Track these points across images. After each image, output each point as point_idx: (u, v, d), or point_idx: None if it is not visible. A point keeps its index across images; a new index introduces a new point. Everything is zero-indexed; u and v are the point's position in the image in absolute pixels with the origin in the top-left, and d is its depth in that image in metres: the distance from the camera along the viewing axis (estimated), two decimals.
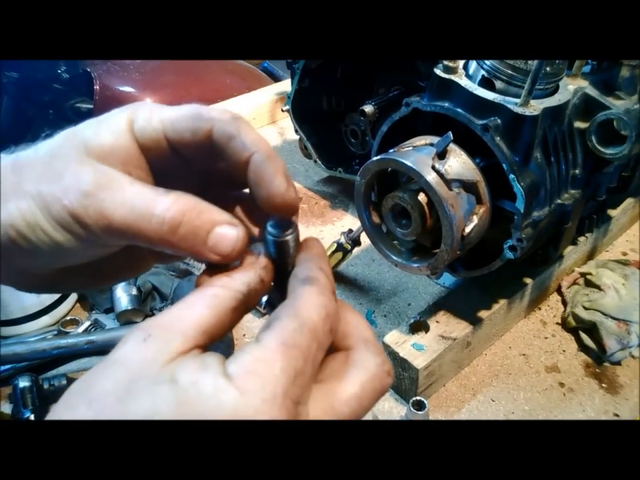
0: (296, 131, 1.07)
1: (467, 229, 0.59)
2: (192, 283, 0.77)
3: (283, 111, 1.06)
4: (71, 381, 0.72)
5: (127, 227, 0.29)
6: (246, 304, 0.29)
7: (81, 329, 0.80)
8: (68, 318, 0.82)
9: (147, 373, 0.25)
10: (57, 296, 0.81)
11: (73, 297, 0.85)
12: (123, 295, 0.80)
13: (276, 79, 1.91)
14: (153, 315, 0.82)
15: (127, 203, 0.29)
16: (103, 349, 0.75)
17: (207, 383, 0.25)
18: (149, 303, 0.82)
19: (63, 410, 0.26)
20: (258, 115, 1.32)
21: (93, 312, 0.84)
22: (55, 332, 0.80)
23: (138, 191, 0.30)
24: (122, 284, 0.81)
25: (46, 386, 0.69)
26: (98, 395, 0.26)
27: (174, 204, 0.29)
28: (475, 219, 0.60)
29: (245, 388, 0.25)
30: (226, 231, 0.30)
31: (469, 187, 0.59)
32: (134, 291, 0.81)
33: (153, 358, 0.26)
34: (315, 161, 1.06)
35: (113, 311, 0.80)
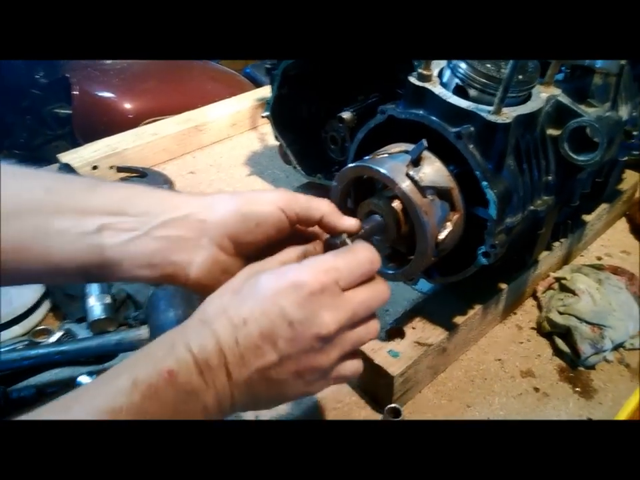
0: (276, 137, 1.06)
1: (441, 236, 0.59)
2: (167, 291, 0.76)
3: (262, 117, 1.05)
4: (41, 392, 0.71)
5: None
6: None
7: (53, 338, 0.79)
8: (39, 328, 0.81)
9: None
10: (28, 305, 0.80)
11: (45, 306, 0.83)
12: (96, 304, 0.79)
13: (258, 84, 1.90)
14: (128, 324, 0.81)
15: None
16: (74, 360, 0.74)
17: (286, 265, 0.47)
18: (123, 312, 0.81)
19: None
20: (238, 121, 1.32)
21: (65, 321, 0.82)
22: (27, 342, 0.78)
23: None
24: (95, 292, 0.80)
25: (14, 397, 0.68)
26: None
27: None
28: (449, 226, 0.60)
29: (302, 264, 0.45)
30: None
31: (443, 194, 0.59)
32: (107, 300, 0.79)
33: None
34: (295, 167, 1.06)
35: (86, 320, 0.79)
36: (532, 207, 0.63)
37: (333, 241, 0.53)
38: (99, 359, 0.76)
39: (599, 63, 0.65)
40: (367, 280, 0.47)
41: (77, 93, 1.49)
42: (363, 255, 0.47)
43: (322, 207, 0.52)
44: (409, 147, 0.61)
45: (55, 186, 0.47)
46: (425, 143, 0.58)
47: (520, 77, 0.59)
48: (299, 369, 0.44)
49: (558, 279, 0.83)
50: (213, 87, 1.65)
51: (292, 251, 0.51)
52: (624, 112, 0.75)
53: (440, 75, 0.63)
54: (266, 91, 1.37)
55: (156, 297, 0.78)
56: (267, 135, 1.30)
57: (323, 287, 0.43)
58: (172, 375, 0.39)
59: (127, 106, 1.51)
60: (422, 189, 0.58)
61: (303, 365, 0.44)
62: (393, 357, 0.67)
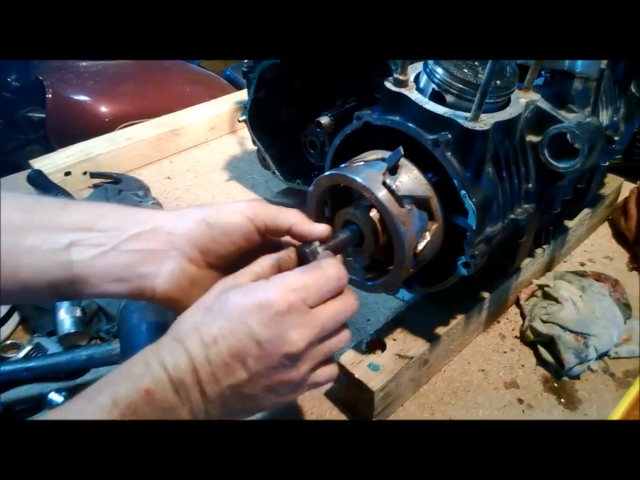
0: (254, 142, 1.04)
1: (420, 246, 0.57)
2: (139, 303, 0.74)
3: (239, 121, 1.03)
4: (8, 410, 0.68)
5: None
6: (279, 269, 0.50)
7: (22, 353, 0.76)
8: (8, 342, 0.78)
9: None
10: None
11: (14, 319, 0.80)
12: (66, 317, 0.76)
13: (239, 87, 1.87)
14: (99, 337, 0.78)
15: None
16: (43, 376, 0.71)
17: (254, 283, 0.46)
18: (94, 325, 0.78)
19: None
20: (217, 125, 1.29)
21: (35, 335, 0.79)
22: None
23: None
24: (65, 305, 0.77)
25: None
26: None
27: None
28: (428, 236, 0.58)
29: (269, 282, 0.45)
30: None
31: (420, 203, 0.57)
32: (78, 313, 0.76)
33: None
34: (274, 173, 1.04)
35: (56, 333, 0.76)
36: (512, 216, 0.62)
37: (304, 249, 0.52)
38: (69, 375, 0.73)
39: (578, 67, 0.64)
40: (335, 294, 0.47)
41: (51, 96, 1.45)
42: (332, 272, 0.47)
43: (290, 217, 0.53)
44: (386, 154, 0.59)
45: (26, 205, 0.48)
46: (401, 150, 0.56)
47: (498, 82, 0.57)
48: (270, 384, 0.44)
49: (541, 287, 0.82)
50: (192, 90, 1.62)
51: (265, 261, 0.50)
52: (604, 117, 0.74)
53: (416, 80, 0.61)
54: (245, 94, 1.35)
55: (127, 310, 0.75)
56: (246, 139, 1.27)
57: (290, 306, 0.43)
58: (149, 394, 0.40)
59: (103, 109, 1.47)
60: (399, 198, 0.56)
61: (274, 381, 0.45)
62: (373, 371, 0.65)
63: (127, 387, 0.40)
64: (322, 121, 0.86)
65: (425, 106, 0.57)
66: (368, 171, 0.57)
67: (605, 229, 1.01)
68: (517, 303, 0.84)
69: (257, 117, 1.01)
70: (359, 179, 0.56)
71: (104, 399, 0.40)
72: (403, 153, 0.56)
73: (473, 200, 0.55)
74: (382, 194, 0.55)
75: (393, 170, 0.57)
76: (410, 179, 0.57)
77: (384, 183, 0.56)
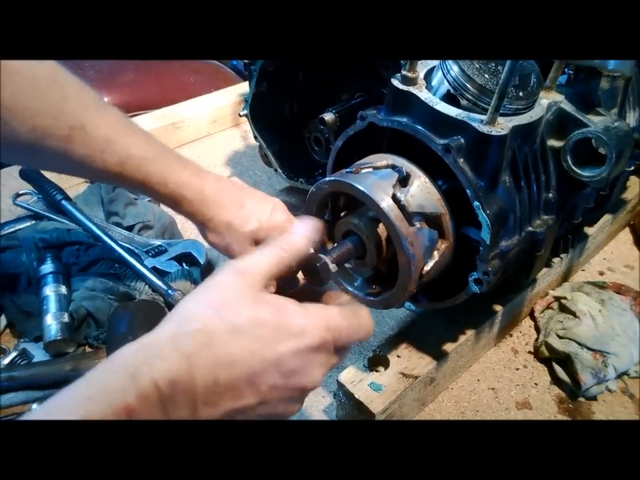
0: (255, 138, 0.99)
1: (427, 267, 0.52)
2: (128, 310, 0.70)
3: (240, 115, 0.98)
4: None
5: None
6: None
7: (7, 359, 0.72)
8: None
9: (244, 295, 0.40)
10: None
11: (2, 323, 0.77)
12: (52, 323, 0.72)
13: (246, 77, 1.82)
14: (88, 344, 0.74)
15: None
16: (25, 386, 0.67)
17: (291, 306, 0.41)
18: (82, 331, 0.74)
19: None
20: (219, 118, 1.24)
21: (21, 340, 0.75)
22: None
23: None
24: (52, 310, 0.73)
25: None
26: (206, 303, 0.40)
27: None
28: (436, 256, 0.53)
29: (309, 312, 0.41)
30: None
31: (431, 220, 0.52)
32: (65, 318, 0.73)
33: (246, 286, 0.41)
34: (276, 170, 0.99)
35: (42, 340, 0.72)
36: (530, 228, 0.56)
37: (315, 264, 0.47)
38: (55, 383, 0.70)
39: (610, 65, 0.58)
40: None
41: None
42: (365, 325, 0.44)
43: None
44: (396, 160, 0.54)
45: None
46: (413, 168, 0.51)
47: (520, 94, 0.51)
48: (270, 412, 0.41)
49: (557, 298, 0.77)
50: (196, 80, 1.56)
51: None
52: (631, 118, 0.69)
53: (427, 77, 0.56)
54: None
55: (116, 318, 0.71)
56: (249, 133, 1.21)
57: (321, 345, 0.41)
58: (129, 412, 0.34)
59: (104, 99, 1.42)
60: (409, 215, 0.50)
61: (276, 411, 0.41)
62: (374, 391, 0.60)
63: (103, 406, 0.34)
64: (325, 118, 0.80)
65: (435, 107, 0.51)
66: (377, 182, 0.52)
67: (625, 235, 0.95)
68: (532, 314, 0.79)
69: (259, 111, 0.96)
70: (366, 191, 0.51)
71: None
72: (409, 172, 0.51)
73: (487, 212, 0.50)
74: (390, 210, 0.50)
75: (403, 181, 0.52)
76: (422, 192, 0.52)
77: (394, 197, 0.50)
